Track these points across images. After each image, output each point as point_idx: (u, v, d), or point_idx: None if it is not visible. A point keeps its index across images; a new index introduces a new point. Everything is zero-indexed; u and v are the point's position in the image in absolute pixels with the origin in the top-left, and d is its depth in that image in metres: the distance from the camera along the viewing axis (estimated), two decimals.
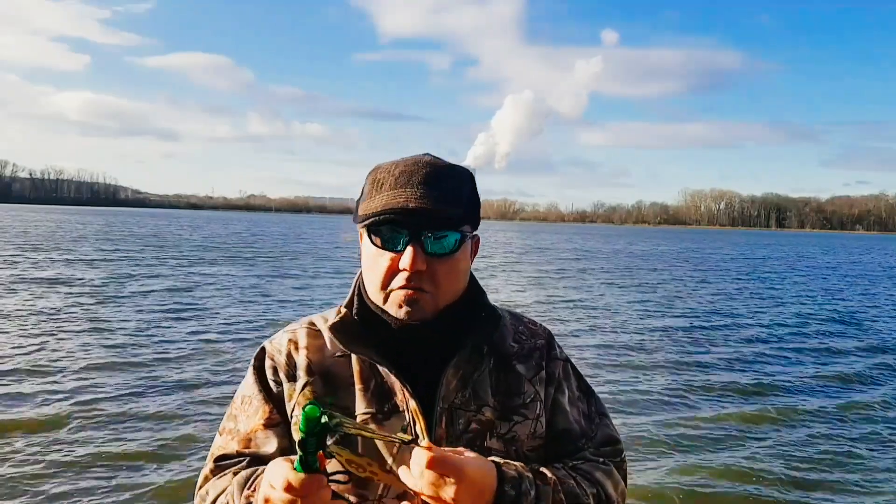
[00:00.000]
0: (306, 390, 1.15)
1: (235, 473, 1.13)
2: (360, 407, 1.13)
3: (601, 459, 1.23)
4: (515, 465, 1.09)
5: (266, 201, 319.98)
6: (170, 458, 5.44)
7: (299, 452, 0.93)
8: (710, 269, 30.71)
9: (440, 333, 1.16)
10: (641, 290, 19.70)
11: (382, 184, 1.13)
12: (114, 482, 5.03)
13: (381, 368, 1.14)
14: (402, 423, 1.11)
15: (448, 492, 0.99)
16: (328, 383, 1.15)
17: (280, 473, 0.95)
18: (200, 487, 1.17)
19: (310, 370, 1.17)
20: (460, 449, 1.05)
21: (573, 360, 1.29)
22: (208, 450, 1.24)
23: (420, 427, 1.10)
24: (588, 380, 1.30)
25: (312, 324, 1.24)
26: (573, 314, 14.24)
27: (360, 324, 1.18)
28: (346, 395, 1.14)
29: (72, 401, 6.73)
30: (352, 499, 1.11)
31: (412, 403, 1.12)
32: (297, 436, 0.94)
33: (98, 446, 5.63)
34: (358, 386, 1.14)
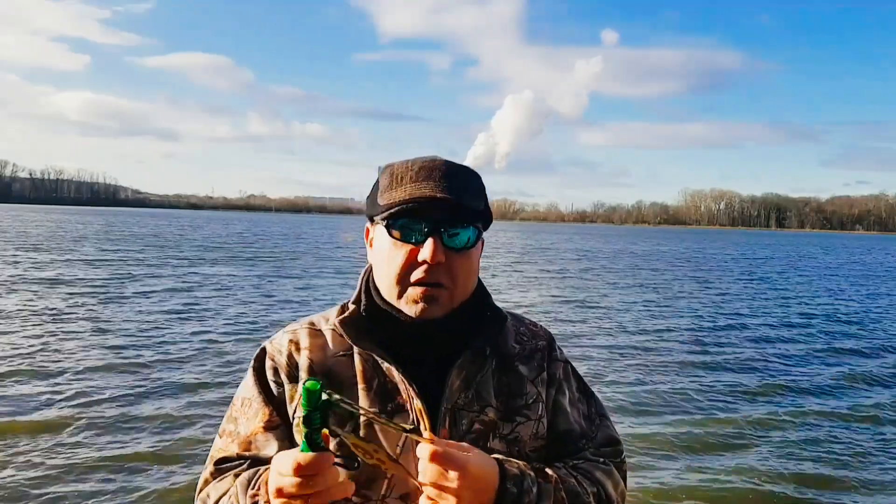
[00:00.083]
0: None
1: (236, 476, 1.13)
2: (364, 406, 1.13)
3: (601, 459, 1.24)
4: (517, 463, 1.10)
5: (266, 201, 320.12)
6: (173, 461, 5.38)
7: (304, 430, 0.93)
8: (713, 269, 30.67)
9: (447, 333, 1.16)
10: (644, 291, 19.65)
11: (402, 177, 1.14)
12: (117, 485, 4.98)
13: (384, 367, 1.14)
14: (406, 422, 1.11)
15: (450, 486, 0.99)
16: (331, 383, 1.14)
17: (287, 459, 0.94)
18: (201, 491, 1.16)
19: (311, 370, 1.17)
20: (464, 444, 1.06)
21: (575, 362, 1.28)
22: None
23: (425, 427, 1.11)
24: (593, 380, 1.35)
25: (313, 324, 1.23)
26: (576, 315, 14.19)
27: (368, 320, 1.17)
28: (348, 395, 1.13)
29: (74, 403, 6.68)
30: (355, 499, 1.10)
31: (417, 403, 1.12)
32: (300, 412, 0.94)
33: (101, 449, 5.58)
34: (361, 385, 1.14)
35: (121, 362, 8.37)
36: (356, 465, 0.99)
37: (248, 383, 1.21)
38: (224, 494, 1.12)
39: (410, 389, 1.12)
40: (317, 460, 0.92)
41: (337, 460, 0.95)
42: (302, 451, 0.93)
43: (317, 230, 69.37)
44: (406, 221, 1.12)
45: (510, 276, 22.71)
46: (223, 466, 1.16)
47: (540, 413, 1.22)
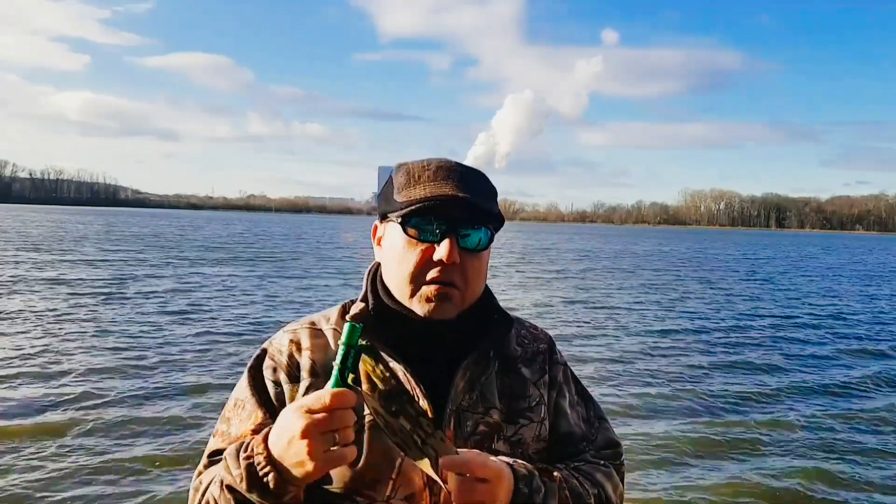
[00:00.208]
0: (310, 392, 1.11)
1: None
2: (368, 407, 1.11)
3: (602, 462, 1.25)
4: (524, 464, 1.11)
5: (266, 201, 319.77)
6: (177, 463, 5.32)
7: (338, 366, 0.95)
8: (715, 269, 30.66)
9: (455, 334, 1.17)
10: (648, 292, 19.61)
11: (420, 176, 1.14)
12: (121, 490, 4.94)
13: (391, 366, 1.11)
14: (406, 428, 1.08)
15: (480, 494, 1.00)
16: None
17: (319, 396, 0.95)
18: (195, 479, 1.16)
19: (313, 371, 1.16)
20: (474, 451, 1.07)
21: (580, 363, 1.41)
22: None
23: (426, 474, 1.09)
24: (599, 382, 1.35)
25: (313, 323, 1.22)
26: (580, 316, 14.15)
27: (375, 319, 1.16)
28: None
29: (77, 406, 6.64)
30: (359, 500, 1.10)
31: (424, 403, 1.12)
32: (340, 348, 0.96)
33: (104, 452, 5.54)
34: (365, 385, 1.11)
35: (123, 364, 8.34)
36: (359, 419, 1.01)
37: (241, 385, 1.20)
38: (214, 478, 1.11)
39: (418, 390, 1.12)
40: (349, 393, 0.94)
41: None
42: (332, 387, 0.95)
43: (317, 230, 69.37)
44: (422, 220, 1.11)
45: (511, 277, 22.69)
46: (216, 458, 1.15)
47: (542, 415, 1.22)
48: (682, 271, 28.49)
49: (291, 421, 0.97)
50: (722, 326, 13.28)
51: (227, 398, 1.18)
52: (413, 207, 1.10)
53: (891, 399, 8.18)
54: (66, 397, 6.87)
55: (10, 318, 11.09)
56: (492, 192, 1.18)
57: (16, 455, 5.40)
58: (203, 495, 1.10)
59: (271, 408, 1.15)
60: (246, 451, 1.03)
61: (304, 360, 1.17)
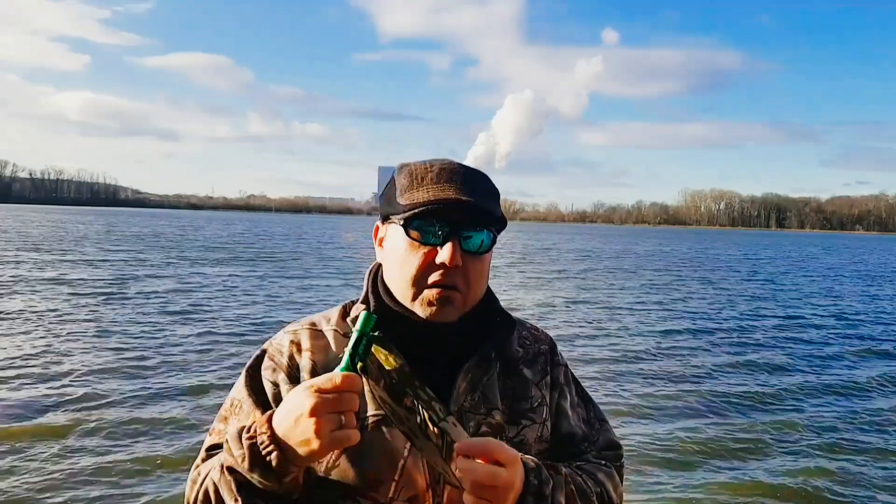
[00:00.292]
0: None
1: None
2: (371, 408, 1.11)
3: (603, 462, 1.26)
4: (530, 457, 1.11)
5: (266, 201, 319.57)
6: (179, 465, 5.30)
7: (349, 351, 0.98)
8: (717, 269, 30.64)
9: (456, 336, 1.17)
10: (651, 292, 19.59)
11: (423, 178, 1.13)
12: (122, 491, 4.92)
13: (400, 387, 1.11)
14: (414, 418, 1.10)
15: (499, 478, 1.00)
16: None
17: (329, 377, 0.97)
18: (192, 472, 1.16)
19: (314, 372, 1.15)
20: (488, 438, 1.09)
21: (583, 365, 1.37)
22: None
23: (433, 430, 1.09)
24: (601, 384, 1.32)
25: (314, 324, 1.22)
26: (582, 317, 14.12)
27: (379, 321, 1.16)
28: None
29: (78, 407, 6.61)
30: (362, 501, 1.10)
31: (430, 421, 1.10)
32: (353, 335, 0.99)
33: (105, 453, 5.51)
34: (366, 387, 1.12)
35: (124, 364, 8.31)
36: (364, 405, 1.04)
37: (239, 385, 1.20)
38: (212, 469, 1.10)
39: (422, 406, 1.10)
40: (356, 377, 0.97)
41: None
42: (342, 370, 0.97)
43: (317, 230, 69.37)
44: (425, 223, 1.11)
45: (512, 278, 22.65)
46: (214, 452, 1.15)
47: (544, 416, 1.23)
48: (684, 272, 28.46)
49: (300, 400, 0.98)
50: (725, 327, 13.25)
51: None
52: (416, 211, 1.10)
53: (894, 399, 8.15)
54: (68, 398, 6.84)
55: (11, 319, 11.06)
56: (494, 193, 1.18)
57: (17, 456, 5.37)
58: (202, 485, 1.10)
59: (268, 409, 1.13)
60: (249, 431, 1.04)
61: (305, 362, 1.16)
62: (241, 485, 1.03)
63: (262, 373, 1.18)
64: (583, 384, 1.38)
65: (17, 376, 7.57)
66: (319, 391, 0.96)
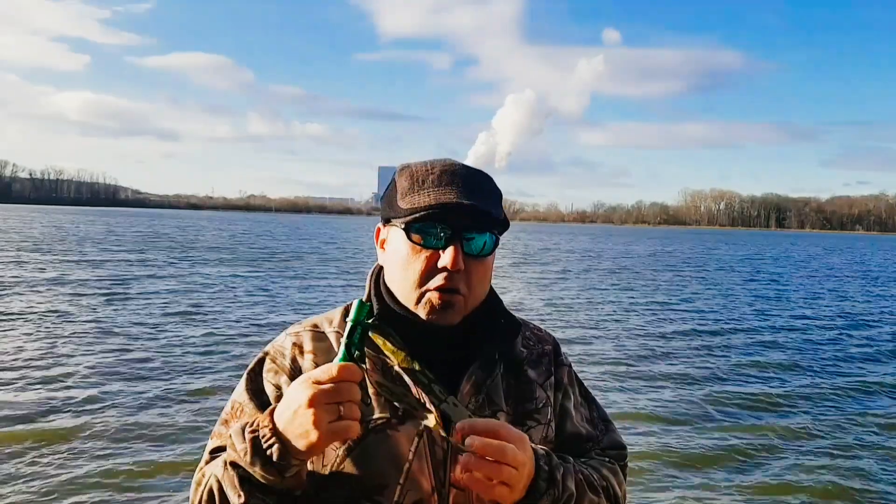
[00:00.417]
0: None
1: None
2: (375, 411, 1.11)
3: (607, 459, 1.26)
4: (538, 445, 1.11)
5: (266, 201, 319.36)
6: (182, 468, 5.25)
7: (345, 341, 0.98)
8: (721, 270, 30.59)
9: (459, 337, 1.16)
10: (654, 293, 19.53)
11: (423, 181, 1.12)
12: (126, 496, 4.86)
13: (395, 371, 1.12)
14: (418, 427, 1.10)
15: (509, 456, 0.99)
16: None
17: (326, 368, 0.98)
18: (196, 474, 1.16)
19: None
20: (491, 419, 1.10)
21: (585, 366, 1.34)
22: None
23: (437, 432, 1.10)
24: (606, 385, 1.27)
25: (316, 326, 1.21)
26: (584, 317, 14.06)
27: (380, 322, 1.16)
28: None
29: (80, 410, 6.56)
30: None
31: (430, 408, 1.11)
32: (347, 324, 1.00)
33: (109, 458, 5.45)
34: (371, 389, 1.12)
35: (127, 367, 8.26)
36: (368, 402, 1.04)
37: (240, 388, 1.19)
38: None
39: (422, 394, 1.11)
40: (355, 367, 0.96)
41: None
42: (339, 360, 0.98)
43: (319, 230, 69.31)
44: (426, 226, 1.10)
45: (512, 279, 22.60)
46: (218, 454, 1.14)
47: (549, 417, 1.23)
48: (687, 272, 28.40)
49: (298, 392, 0.98)
50: (730, 328, 13.19)
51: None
52: (417, 215, 1.10)
53: None
54: (70, 402, 6.78)
55: (12, 320, 11.01)
56: (496, 195, 1.17)
57: (19, 460, 5.31)
58: (205, 486, 1.10)
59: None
60: (252, 425, 1.04)
61: (307, 364, 1.16)
62: (244, 479, 1.03)
63: (264, 375, 1.18)
64: (586, 385, 1.38)
65: (19, 378, 7.52)
66: (316, 382, 0.96)
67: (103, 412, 6.53)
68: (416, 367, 1.07)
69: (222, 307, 13.47)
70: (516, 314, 1.28)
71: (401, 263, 1.13)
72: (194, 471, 1.11)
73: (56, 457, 5.42)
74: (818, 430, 6.86)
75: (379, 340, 1.08)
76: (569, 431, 1.26)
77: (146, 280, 17.79)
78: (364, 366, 1.00)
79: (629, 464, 1.33)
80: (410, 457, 1.09)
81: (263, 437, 1.01)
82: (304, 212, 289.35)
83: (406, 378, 1.11)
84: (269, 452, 1.00)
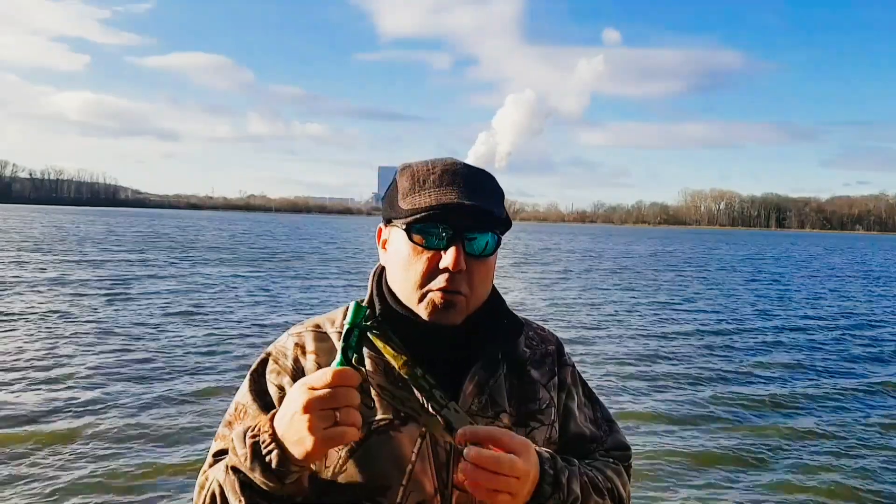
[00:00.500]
0: None
1: None
2: (378, 413, 1.11)
3: (611, 460, 1.26)
4: (542, 448, 1.11)
5: (266, 201, 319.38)
6: (186, 471, 5.22)
7: (341, 345, 0.96)
8: (723, 270, 30.55)
9: (461, 337, 1.16)
10: (658, 293, 19.50)
11: (424, 180, 1.11)
12: (129, 498, 4.84)
13: (398, 373, 1.11)
14: (421, 429, 1.10)
15: (509, 467, 0.98)
16: None
17: (322, 373, 0.96)
18: (200, 477, 1.15)
19: None
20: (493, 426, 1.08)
21: (588, 367, 1.31)
22: None
23: (440, 434, 1.10)
24: (610, 386, 1.19)
25: (318, 326, 1.21)
26: (587, 318, 14.03)
27: (382, 322, 1.15)
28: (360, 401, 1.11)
29: (82, 412, 6.53)
30: None
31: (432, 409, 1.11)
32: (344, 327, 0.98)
33: (111, 460, 5.42)
34: (374, 391, 1.12)
35: (128, 368, 8.23)
36: (371, 405, 1.03)
37: (244, 389, 1.19)
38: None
39: (423, 399, 1.10)
40: (352, 372, 0.95)
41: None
42: (337, 365, 0.96)
43: (320, 230, 69.28)
44: (428, 226, 1.10)
45: (513, 279, 22.56)
46: (222, 457, 1.13)
47: (553, 418, 1.22)
48: (689, 272, 28.36)
49: (294, 397, 0.97)
50: (734, 328, 13.15)
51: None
52: (418, 216, 1.09)
53: None
54: (72, 403, 6.75)
55: (14, 321, 10.98)
56: (498, 194, 1.16)
57: (20, 462, 5.28)
58: (208, 490, 1.10)
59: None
60: (253, 430, 1.03)
61: (310, 364, 1.15)
62: (245, 485, 1.03)
63: (267, 376, 1.17)
64: (589, 385, 1.37)
65: (21, 379, 7.50)
66: (312, 388, 0.95)
67: (105, 413, 6.50)
68: (418, 373, 1.06)
69: (223, 307, 13.44)
70: (518, 314, 1.27)
71: (402, 264, 1.13)
72: (197, 472, 1.09)
73: (58, 458, 5.39)
74: (823, 431, 6.83)
75: (379, 344, 1.08)
76: (572, 432, 1.25)
77: (147, 280, 17.75)
78: (364, 368, 0.99)
79: (633, 464, 1.32)
80: (413, 458, 1.09)
81: (263, 442, 1.00)
82: (304, 212, 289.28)
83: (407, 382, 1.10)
84: (268, 459, 0.99)
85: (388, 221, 1.17)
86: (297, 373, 1.15)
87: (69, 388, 7.28)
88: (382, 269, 1.22)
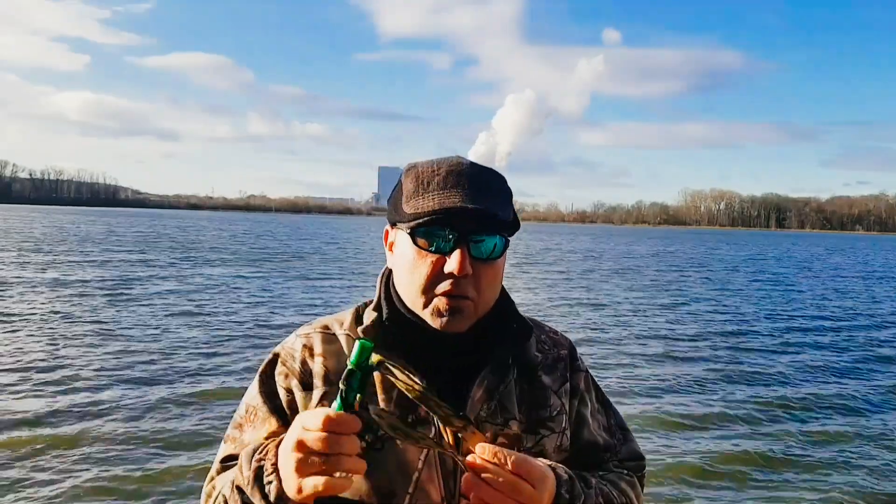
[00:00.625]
0: (325, 402, 1.10)
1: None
2: (383, 428, 1.06)
3: (625, 471, 1.23)
4: (564, 468, 1.08)
5: (266, 201, 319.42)
6: (188, 474, 5.15)
7: (342, 388, 0.91)
8: (726, 271, 30.50)
9: (470, 342, 1.13)
10: (660, 294, 19.45)
11: (428, 183, 1.09)
12: (132, 502, 4.78)
13: (412, 399, 1.07)
14: (429, 434, 1.07)
15: (524, 496, 0.96)
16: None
17: (317, 414, 0.92)
18: (207, 485, 1.14)
19: (327, 378, 1.12)
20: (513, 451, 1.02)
21: (596, 371, 1.16)
22: None
23: (448, 440, 1.06)
24: (620, 390, 1.13)
25: (326, 327, 1.19)
26: (592, 319, 13.97)
27: (390, 327, 1.13)
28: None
29: (85, 415, 6.47)
30: None
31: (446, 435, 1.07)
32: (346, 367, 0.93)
33: (115, 465, 5.36)
34: (380, 395, 1.10)
35: (131, 370, 8.17)
36: (380, 446, 1.01)
37: (252, 391, 1.17)
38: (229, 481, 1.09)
39: (439, 424, 1.07)
40: (347, 419, 0.90)
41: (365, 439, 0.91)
42: (337, 408, 0.91)
43: (320, 230, 69.27)
44: (432, 230, 1.07)
45: (515, 279, 22.49)
46: (230, 463, 1.13)
47: (564, 425, 1.19)
48: (692, 273, 28.32)
49: (290, 432, 0.95)
50: (743, 330, 13.09)
51: (238, 404, 1.15)
52: (421, 221, 1.07)
53: None
54: (74, 406, 6.69)
55: (15, 322, 10.94)
56: (505, 195, 1.14)
57: (22, 466, 5.22)
58: (215, 500, 1.09)
59: (283, 415, 1.12)
60: (260, 453, 1.02)
61: (317, 367, 1.13)
62: None
63: (276, 378, 1.16)
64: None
65: (23, 381, 7.43)
66: (305, 428, 0.92)
67: (108, 416, 6.44)
68: (433, 402, 1.00)
69: (226, 308, 13.39)
70: (532, 317, 1.26)
71: (407, 268, 1.10)
72: (200, 476, 1.11)
73: (61, 462, 5.33)
74: (835, 434, 6.76)
75: (391, 379, 1.03)
76: (585, 440, 1.22)
77: (148, 281, 17.71)
78: (366, 412, 0.94)
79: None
80: (420, 466, 1.07)
81: (266, 470, 0.99)
82: (304, 212, 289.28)
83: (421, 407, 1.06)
84: (267, 489, 0.98)
85: (393, 224, 1.15)
86: (305, 375, 1.13)
87: (71, 390, 7.22)
88: (390, 271, 1.20)
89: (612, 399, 1.30)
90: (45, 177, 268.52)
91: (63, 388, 7.28)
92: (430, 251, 1.07)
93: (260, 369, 1.18)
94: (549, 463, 1.06)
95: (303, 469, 0.91)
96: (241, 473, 1.02)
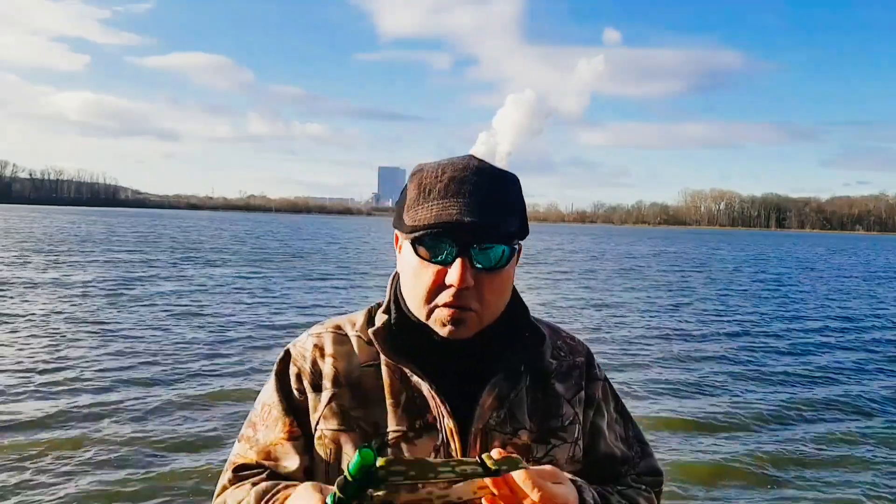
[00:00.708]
0: (333, 404, 1.10)
1: (254, 485, 1.08)
2: (391, 423, 1.08)
3: (643, 486, 1.20)
4: (583, 483, 1.05)
5: (266, 201, 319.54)
6: (190, 477, 5.07)
7: (336, 491, 0.83)
8: (728, 271, 30.45)
9: (480, 348, 1.11)
10: (663, 294, 19.38)
11: (430, 190, 1.06)
12: None
13: (413, 381, 1.09)
14: (435, 442, 1.06)
15: None
16: (356, 395, 1.10)
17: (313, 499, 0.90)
18: (218, 495, 1.12)
19: (336, 380, 1.11)
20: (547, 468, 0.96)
21: (606, 373, 1.25)
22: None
23: (455, 448, 1.05)
24: (622, 390, 1.13)
25: (339, 328, 1.17)
26: (595, 319, 13.90)
27: (398, 331, 1.12)
28: (375, 410, 1.09)
29: (87, 416, 6.40)
30: None
31: (449, 422, 1.07)
32: (344, 467, 0.90)
33: (117, 468, 5.28)
34: (389, 400, 1.08)
35: (134, 372, 8.10)
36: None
37: (268, 389, 1.16)
38: (240, 502, 1.08)
39: (442, 407, 1.07)
40: None
41: None
42: None
43: (320, 230, 69.27)
44: (433, 240, 1.04)
45: (515, 280, 22.40)
46: (242, 473, 1.12)
47: (576, 435, 1.16)
48: (694, 273, 28.28)
49: None
50: (749, 331, 13.02)
51: (243, 406, 1.13)
52: (419, 234, 1.05)
53: None
54: (76, 408, 6.62)
55: (15, 322, 10.87)
56: (514, 200, 1.09)
57: (23, 471, 5.14)
58: None
59: (299, 415, 1.12)
60: (272, 494, 1.03)
61: (327, 368, 1.12)
62: None
63: (290, 377, 1.15)
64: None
65: (24, 383, 7.36)
66: None
67: (111, 418, 6.37)
68: (439, 468, 0.87)
69: (228, 309, 13.33)
70: (549, 322, 1.24)
71: (411, 275, 1.09)
72: (205, 478, 1.05)
73: (63, 465, 5.27)
74: (845, 436, 6.70)
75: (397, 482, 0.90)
76: (602, 452, 1.19)
77: (149, 281, 17.65)
78: None
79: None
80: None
81: None
82: (304, 212, 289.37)
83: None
84: None
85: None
86: (315, 376, 1.12)
87: (73, 391, 7.16)
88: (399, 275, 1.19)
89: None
90: (45, 177, 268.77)
91: (64, 389, 7.22)
92: (432, 262, 1.06)
93: (275, 368, 1.17)
94: (572, 477, 1.02)
95: None
96: None
